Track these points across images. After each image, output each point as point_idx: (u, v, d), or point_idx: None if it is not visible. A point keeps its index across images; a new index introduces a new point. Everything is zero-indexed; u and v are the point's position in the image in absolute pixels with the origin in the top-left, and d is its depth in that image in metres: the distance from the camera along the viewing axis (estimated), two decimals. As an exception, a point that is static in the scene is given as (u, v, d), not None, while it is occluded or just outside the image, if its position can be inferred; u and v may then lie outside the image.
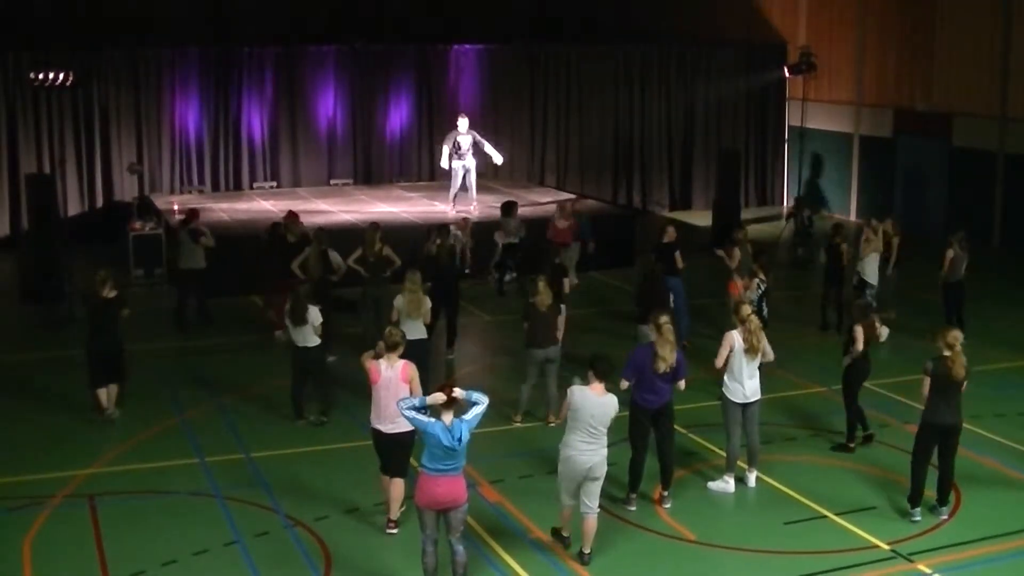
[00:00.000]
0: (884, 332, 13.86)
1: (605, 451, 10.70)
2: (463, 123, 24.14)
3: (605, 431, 10.69)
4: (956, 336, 11.57)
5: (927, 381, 11.55)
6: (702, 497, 12.46)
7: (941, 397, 11.53)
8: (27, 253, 21.55)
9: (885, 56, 29.34)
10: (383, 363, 11.40)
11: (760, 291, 16.32)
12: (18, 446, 14.01)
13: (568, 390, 10.78)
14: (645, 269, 16.90)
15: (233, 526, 11.64)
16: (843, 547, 11.20)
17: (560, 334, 14.72)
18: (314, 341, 14.51)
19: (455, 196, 24.36)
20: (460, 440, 9.69)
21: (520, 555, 11.01)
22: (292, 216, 19.04)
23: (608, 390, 10.84)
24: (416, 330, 14.46)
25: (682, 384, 12.13)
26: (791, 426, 14.59)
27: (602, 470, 10.72)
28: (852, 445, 13.74)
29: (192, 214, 20.19)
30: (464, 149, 23.90)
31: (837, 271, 18.99)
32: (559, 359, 14.63)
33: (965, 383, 11.63)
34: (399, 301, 14.67)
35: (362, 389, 15.67)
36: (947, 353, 11.50)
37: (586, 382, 10.81)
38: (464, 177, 24.23)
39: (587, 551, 10.90)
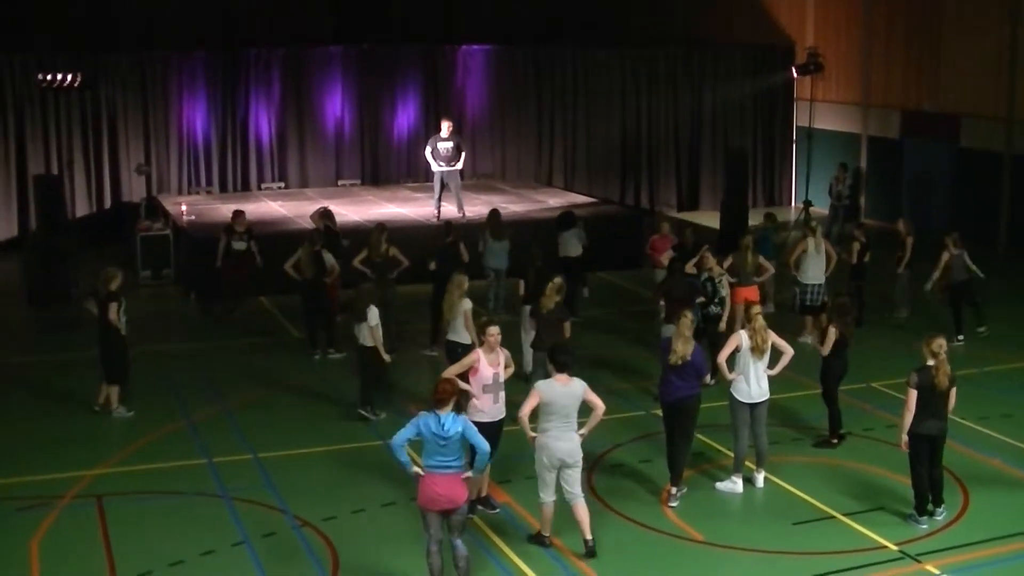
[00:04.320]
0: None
1: (578, 437, 10.83)
2: (445, 127, 23.32)
3: (575, 417, 10.85)
4: (941, 344, 11.49)
5: (912, 393, 11.45)
6: (710, 497, 12.45)
7: (926, 407, 11.45)
8: (34, 254, 21.57)
9: (892, 57, 29.29)
10: None
11: (703, 278, 16.14)
12: (26, 447, 14.04)
13: (534, 386, 10.93)
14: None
15: (240, 526, 11.65)
16: (851, 548, 11.19)
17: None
18: (370, 340, 14.54)
19: (438, 202, 23.55)
20: (446, 428, 9.71)
21: (527, 555, 11.01)
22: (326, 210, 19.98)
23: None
24: (453, 331, 14.52)
25: (708, 380, 12.42)
26: (798, 427, 14.57)
27: (578, 455, 10.88)
28: (835, 441, 13.88)
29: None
30: (444, 154, 23.00)
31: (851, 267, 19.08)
32: None
33: (953, 391, 11.57)
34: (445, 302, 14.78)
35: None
36: (931, 362, 11.44)
37: (548, 375, 11.07)
38: (445, 183, 23.35)
39: (589, 537, 10.96)
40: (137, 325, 17.10)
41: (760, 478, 12.66)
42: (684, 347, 12.00)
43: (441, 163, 22.97)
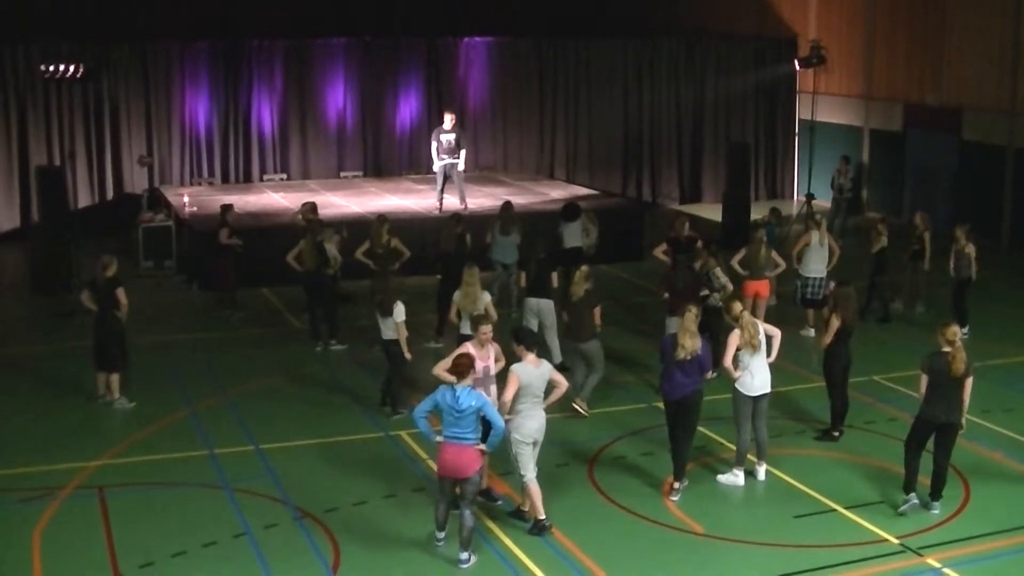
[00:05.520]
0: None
1: (544, 413, 11.38)
2: (448, 120, 23.07)
3: (542, 396, 11.32)
4: (956, 332, 11.53)
5: (924, 378, 11.52)
6: (711, 490, 12.46)
7: (938, 393, 11.46)
8: (37, 245, 21.58)
9: (895, 49, 29.26)
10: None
11: (705, 273, 16.11)
12: (28, 438, 14.04)
13: (511, 369, 11.23)
14: None
15: (242, 518, 11.66)
16: (852, 541, 11.20)
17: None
18: (394, 334, 14.43)
19: (440, 195, 23.50)
20: (461, 401, 10.26)
21: (527, 545, 11.02)
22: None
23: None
24: (469, 325, 14.40)
25: (709, 375, 12.39)
26: (801, 420, 14.56)
27: (544, 430, 11.36)
28: (836, 434, 13.84)
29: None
30: (447, 147, 22.78)
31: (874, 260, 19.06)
32: (594, 352, 14.60)
33: (970, 380, 11.55)
34: (457, 296, 14.57)
35: (363, 381, 15.78)
36: (947, 349, 11.44)
37: (518, 357, 11.42)
38: (448, 175, 23.16)
39: (527, 508, 11.43)
40: (139, 316, 17.17)
41: (762, 471, 12.66)
42: (692, 342, 11.97)
43: (444, 155, 22.89)
